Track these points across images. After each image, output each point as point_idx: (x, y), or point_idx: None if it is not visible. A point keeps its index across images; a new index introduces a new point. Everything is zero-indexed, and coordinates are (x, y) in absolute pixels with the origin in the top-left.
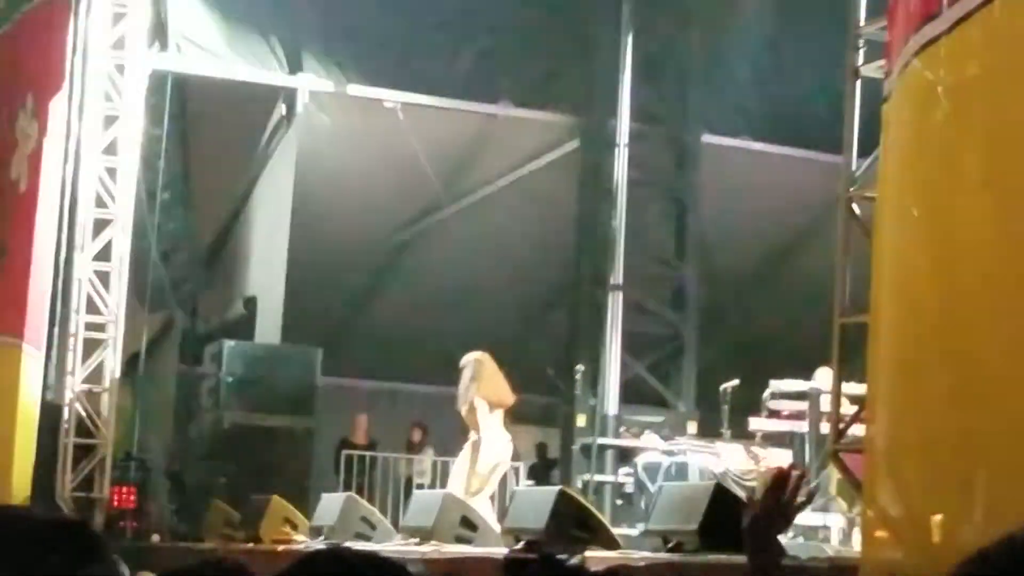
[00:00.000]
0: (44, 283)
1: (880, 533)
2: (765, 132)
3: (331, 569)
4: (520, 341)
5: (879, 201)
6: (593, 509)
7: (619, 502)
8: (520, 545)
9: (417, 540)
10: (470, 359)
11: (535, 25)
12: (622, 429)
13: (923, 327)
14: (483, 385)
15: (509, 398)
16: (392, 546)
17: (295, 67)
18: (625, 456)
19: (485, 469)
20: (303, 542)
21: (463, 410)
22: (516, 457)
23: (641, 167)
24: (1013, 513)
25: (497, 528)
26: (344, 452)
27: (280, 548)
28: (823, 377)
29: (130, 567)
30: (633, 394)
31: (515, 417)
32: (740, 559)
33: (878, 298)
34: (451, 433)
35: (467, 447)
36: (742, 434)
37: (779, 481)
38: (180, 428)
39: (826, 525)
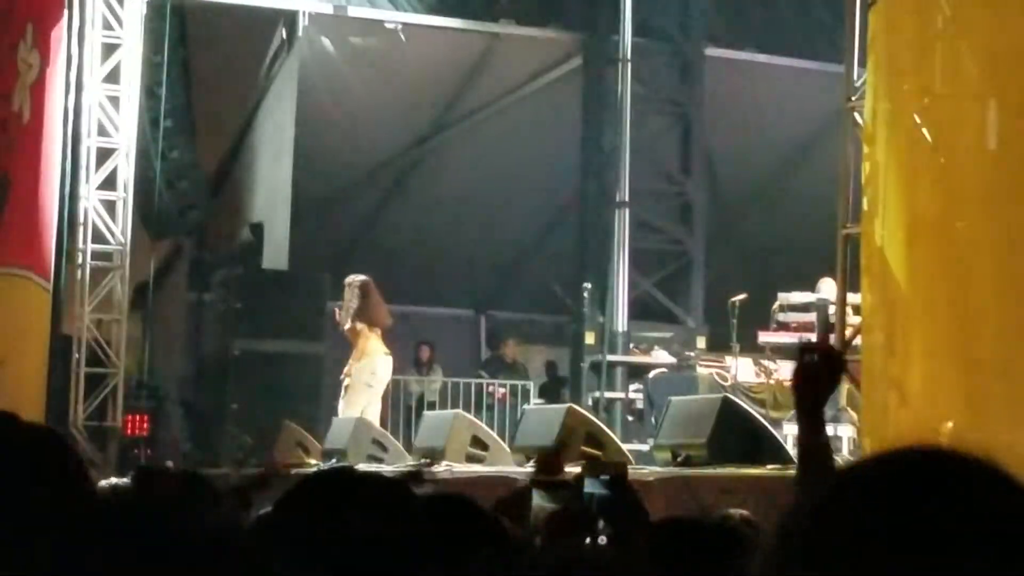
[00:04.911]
0: (51, 214)
1: (883, 440)
2: (769, 43)
3: (336, 487)
4: (527, 261)
5: (870, 110)
6: (603, 425)
7: (630, 418)
8: (531, 464)
9: (429, 461)
10: (355, 281)
11: None
12: (631, 346)
13: (921, 235)
14: (365, 308)
15: (387, 321)
16: (405, 468)
17: None
18: (635, 372)
19: (371, 383)
20: (316, 466)
21: (345, 328)
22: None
23: (645, 82)
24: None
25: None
26: None
27: (293, 472)
28: (827, 288)
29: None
30: (641, 311)
31: (525, 336)
32: (749, 471)
33: (872, 207)
34: (459, 354)
35: (351, 365)
36: (751, 348)
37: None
38: (190, 356)
39: (837, 435)
